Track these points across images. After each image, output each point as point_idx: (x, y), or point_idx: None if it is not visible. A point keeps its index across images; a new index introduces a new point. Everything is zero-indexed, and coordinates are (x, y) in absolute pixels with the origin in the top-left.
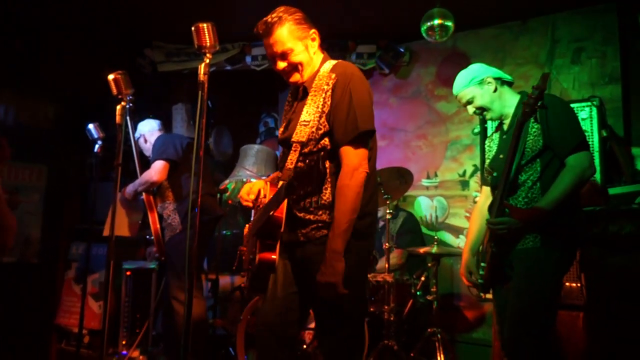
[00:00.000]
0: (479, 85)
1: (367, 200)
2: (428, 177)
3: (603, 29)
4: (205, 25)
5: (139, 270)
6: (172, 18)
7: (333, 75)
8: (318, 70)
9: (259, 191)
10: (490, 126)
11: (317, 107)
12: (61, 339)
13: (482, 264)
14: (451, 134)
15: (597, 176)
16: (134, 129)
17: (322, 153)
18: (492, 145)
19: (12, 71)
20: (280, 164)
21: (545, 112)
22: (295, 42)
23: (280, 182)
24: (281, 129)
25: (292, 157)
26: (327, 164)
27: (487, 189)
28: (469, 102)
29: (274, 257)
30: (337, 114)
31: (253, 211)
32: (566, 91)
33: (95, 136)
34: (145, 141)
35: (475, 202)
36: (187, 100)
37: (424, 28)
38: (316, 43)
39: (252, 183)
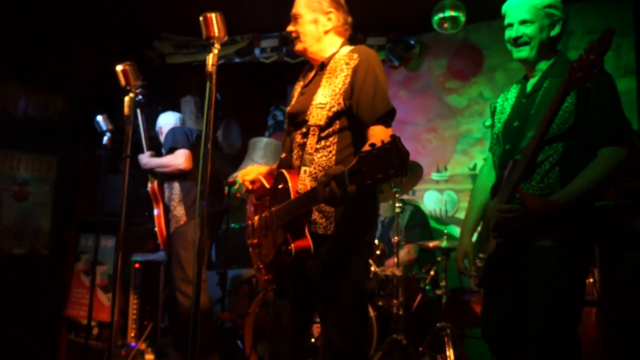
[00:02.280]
0: (549, 18)
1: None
2: (438, 171)
3: (618, 21)
4: (213, 15)
5: (147, 263)
6: (180, 9)
7: (355, 56)
8: (335, 53)
9: (257, 177)
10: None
11: (333, 89)
12: (70, 331)
13: (481, 255)
14: (462, 128)
15: None
16: (144, 120)
17: (335, 137)
18: (506, 106)
19: (20, 63)
20: (285, 146)
21: (585, 87)
22: (307, 10)
23: (305, 169)
24: (289, 107)
25: (312, 142)
26: (337, 149)
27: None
28: (524, 22)
29: (308, 243)
30: (364, 92)
31: (249, 199)
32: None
33: (104, 128)
34: (161, 133)
35: None
36: (196, 93)
37: (435, 19)
38: (331, 23)
39: (248, 169)
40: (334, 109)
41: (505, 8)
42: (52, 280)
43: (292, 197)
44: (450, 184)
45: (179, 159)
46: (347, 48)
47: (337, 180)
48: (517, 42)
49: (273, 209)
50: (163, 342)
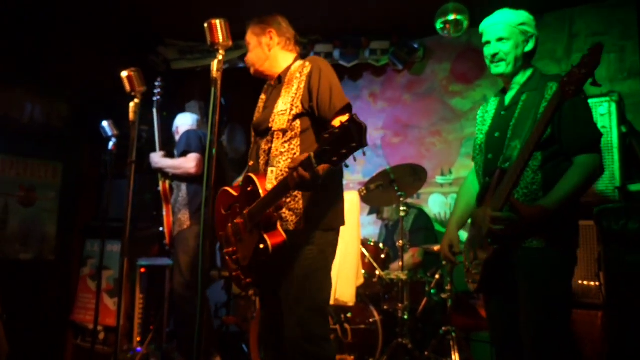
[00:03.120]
0: (523, 35)
1: (335, 196)
2: (442, 174)
3: (621, 23)
4: (218, 21)
5: (153, 267)
6: (185, 15)
7: (307, 64)
8: (289, 67)
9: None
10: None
11: (292, 96)
12: (77, 335)
13: (475, 262)
14: (466, 131)
15: (616, 173)
16: (159, 119)
17: (297, 140)
18: (487, 118)
19: (25, 70)
20: (252, 154)
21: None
22: (251, 36)
23: (271, 169)
24: (256, 115)
25: (276, 145)
26: (300, 150)
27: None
28: (500, 39)
29: (283, 237)
30: (321, 94)
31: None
32: (584, 86)
33: (109, 134)
34: (178, 133)
35: None
36: (200, 98)
37: (438, 23)
38: (274, 41)
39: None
40: (293, 112)
41: (482, 27)
42: (58, 285)
43: (262, 195)
44: (454, 187)
45: (190, 162)
46: (300, 61)
47: (303, 165)
48: (494, 58)
49: (245, 212)
50: (169, 347)
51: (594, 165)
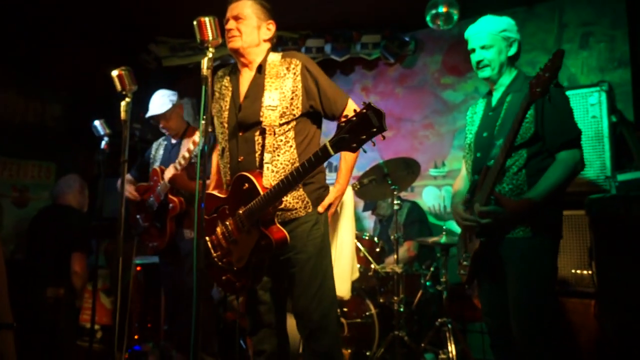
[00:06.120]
0: (505, 40)
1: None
2: (436, 167)
3: (611, 13)
4: (207, 19)
5: (148, 265)
6: (175, 12)
7: (295, 61)
8: (266, 58)
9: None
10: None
11: (282, 92)
12: None
13: (465, 254)
14: (458, 123)
15: (607, 162)
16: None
17: (291, 132)
18: (475, 118)
19: (16, 71)
20: (240, 148)
21: (542, 100)
22: (252, 16)
23: (267, 166)
24: (226, 113)
25: (270, 141)
26: (296, 142)
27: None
28: (484, 47)
29: (284, 233)
30: (325, 94)
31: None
32: (574, 76)
33: (102, 133)
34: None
35: None
36: (193, 95)
37: (428, 16)
38: (270, 34)
39: None
40: (294, 113)
41: (467, 35)
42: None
43: (262, 193)
44: (448, 180)
45: None
46: (277, 54)
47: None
48: (479, 65)
49: (240, 211)
50: (166, 344)
51: (575, 161)
